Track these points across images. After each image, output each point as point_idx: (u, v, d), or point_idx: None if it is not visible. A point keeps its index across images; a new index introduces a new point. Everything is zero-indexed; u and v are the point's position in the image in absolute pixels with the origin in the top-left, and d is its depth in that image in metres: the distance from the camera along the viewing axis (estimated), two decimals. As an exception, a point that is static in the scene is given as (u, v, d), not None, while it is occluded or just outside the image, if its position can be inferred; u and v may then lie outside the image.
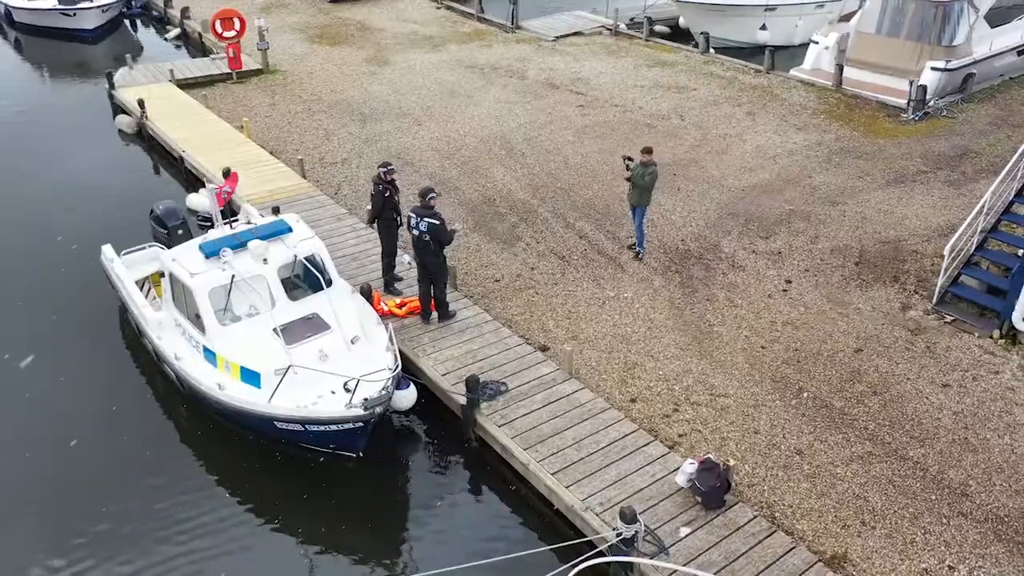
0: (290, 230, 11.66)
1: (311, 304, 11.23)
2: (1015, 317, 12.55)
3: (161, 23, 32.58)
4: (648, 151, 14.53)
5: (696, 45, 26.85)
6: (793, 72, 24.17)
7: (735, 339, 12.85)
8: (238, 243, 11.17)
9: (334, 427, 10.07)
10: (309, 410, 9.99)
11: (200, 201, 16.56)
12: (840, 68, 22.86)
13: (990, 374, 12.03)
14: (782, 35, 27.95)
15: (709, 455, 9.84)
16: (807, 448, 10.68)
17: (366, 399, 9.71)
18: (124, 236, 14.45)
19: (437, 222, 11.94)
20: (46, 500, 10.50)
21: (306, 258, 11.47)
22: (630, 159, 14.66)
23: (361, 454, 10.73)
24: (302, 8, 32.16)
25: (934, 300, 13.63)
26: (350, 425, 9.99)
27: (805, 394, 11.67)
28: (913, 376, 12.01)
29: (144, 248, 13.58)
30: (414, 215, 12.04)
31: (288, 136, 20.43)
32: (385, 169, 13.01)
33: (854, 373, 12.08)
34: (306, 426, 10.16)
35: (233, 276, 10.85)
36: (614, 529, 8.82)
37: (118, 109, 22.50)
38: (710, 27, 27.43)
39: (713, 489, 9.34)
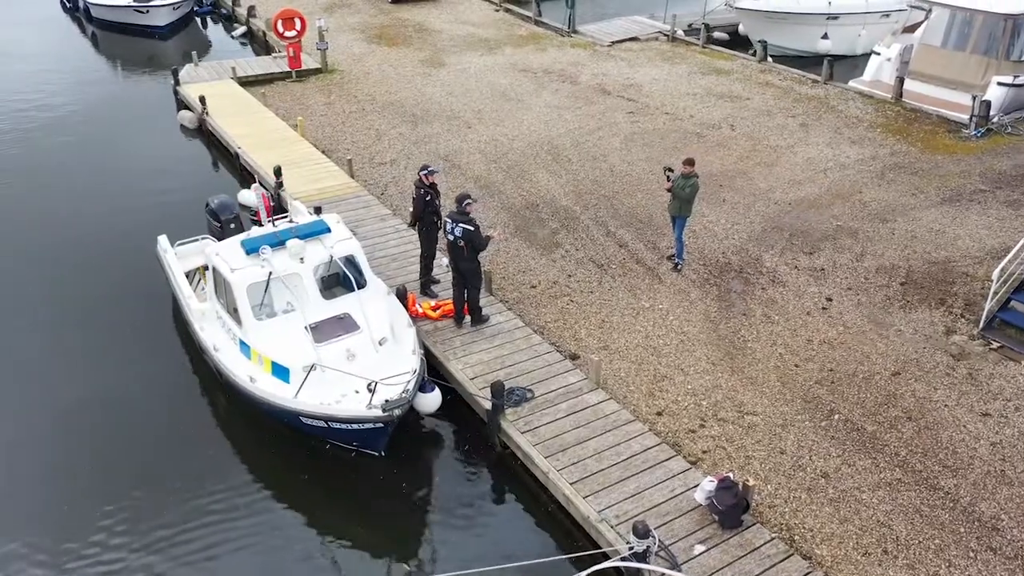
0: (328, 230, 11.93)
1: (344, 304, 11.48)
2: (1065, 347, 12.11)
3: (229, 21, 33.53)
4: (690, 162, 14.43)
5: (754, 53, 26.49)
6: (852, 83, 23.67)
7: (768, 356, 12.68)
8: (278, 241, 11.48)
9: (355, 426, 10.29)
10: (332, 408, 10.24)
11: (250, 197, 17.01)
12: (901, 81, 22.29)
13: (1034, 405, 11.63)
14: (844, 45, 27.38)
15: (729, 473, 9.75)
16: (834, 471, 10.49)
17: (386, 401, 9.90)
18: (183, 227, 14.92)
19: (472, 228, 12.08)
20: (83, 480, 10.97)
21: (342, 259, 11.72)
22: (671, 170, 14.60)
23: (383, 453, 10.93)
24: (364, 8, 32.73)
25: (980, 325, 13.22)
26: (370, 425, 10.20)
27: (836, 416, 11.45)
28: (951, 403, 11.68)
29: (196, 240, 14.03)
30: (450, 220, 12.21)
31: (341, 135, 20.85)
32: (425, 172, 13.21)
33: (889, 397, 11.80)
34: (328, 423, 10.41)
35: (270, 273, 11.16)
36: (627, 543, 8.81)
37: (181, 104, 23.26)
38: (769, 35, 27.05)
39: (730, 508, 9.26)
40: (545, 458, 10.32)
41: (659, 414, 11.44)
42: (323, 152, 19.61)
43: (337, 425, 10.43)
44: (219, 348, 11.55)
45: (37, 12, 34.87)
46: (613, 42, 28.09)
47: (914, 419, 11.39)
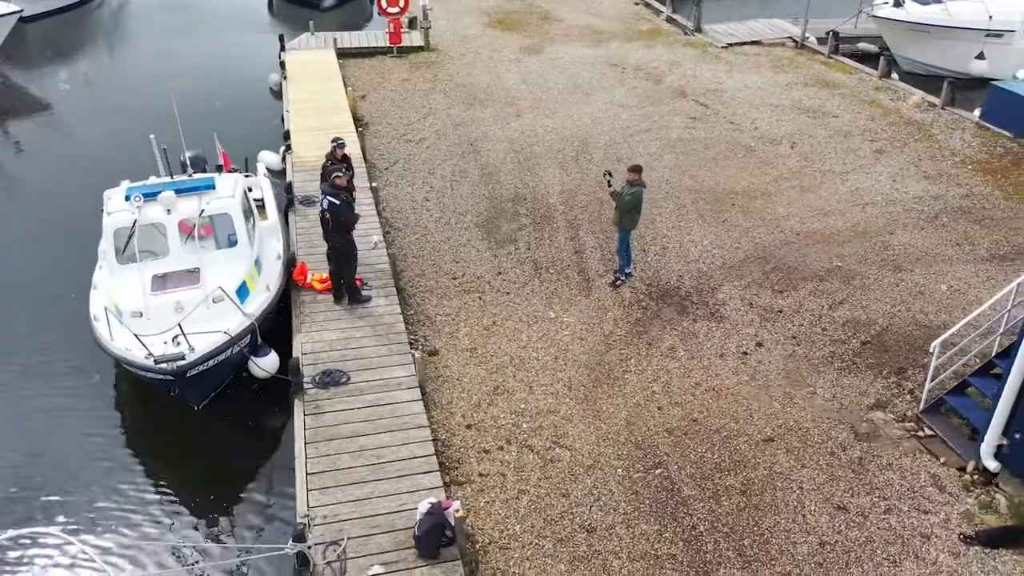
0: (213, 188, 12.25)
1: (200, 259, 11.73)
2: (983, 451, 9.57)
3: (389, -3, 35.13)
4: (636, 169, 13.18)
5: (889, 66, 23.19)
6: (977, 112, 20.00)
7: (636, 391, 11.24)
8: (154, 192, 11.99)
9: (149, 375, 10.53)
10: (125, 354, 10.55)
11: (264, 157, 17.88)
12: (1026, 113, 18.51)
13: (915, 511, 9.32)
14: (1005, 66, 23.08)
15: (456, 501, 8.82)
16: (603, 529, 9.12)
17: (164, 356, 10.07)
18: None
19: (338, 201, 11.85)
20: None
21: (213, 216, 11.99)
22: (611, 175, 13.37)
23: (196, 408, 11.13)
24: (507, -9, 32.81)
25: (922, 406, 10.80)
26: (158, 376, 10.38)
27: (659, 471, 9.93)
28: (810, 486, 9.68)
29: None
30: (321, 192, 12.06)
31: (394, 110, 21.16)
32: (336, 144, 13.14)
33: (738, 464, 10.02)
34: (134, 369, 10.74)
35: (135, 221, 11.69)
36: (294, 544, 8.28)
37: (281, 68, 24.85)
38: (914, 50, 23.74)
39: (425, 535, 8.38)
40: (304, 444, 9.96)
41: (468, 427, 10.59)
42: (363, 124, 20.05)
43: (141, 372, 10.75)
44: (96, 287, 12.28)
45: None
46: (730, 44, 25.95)
47: (748, 494, 9.58)
